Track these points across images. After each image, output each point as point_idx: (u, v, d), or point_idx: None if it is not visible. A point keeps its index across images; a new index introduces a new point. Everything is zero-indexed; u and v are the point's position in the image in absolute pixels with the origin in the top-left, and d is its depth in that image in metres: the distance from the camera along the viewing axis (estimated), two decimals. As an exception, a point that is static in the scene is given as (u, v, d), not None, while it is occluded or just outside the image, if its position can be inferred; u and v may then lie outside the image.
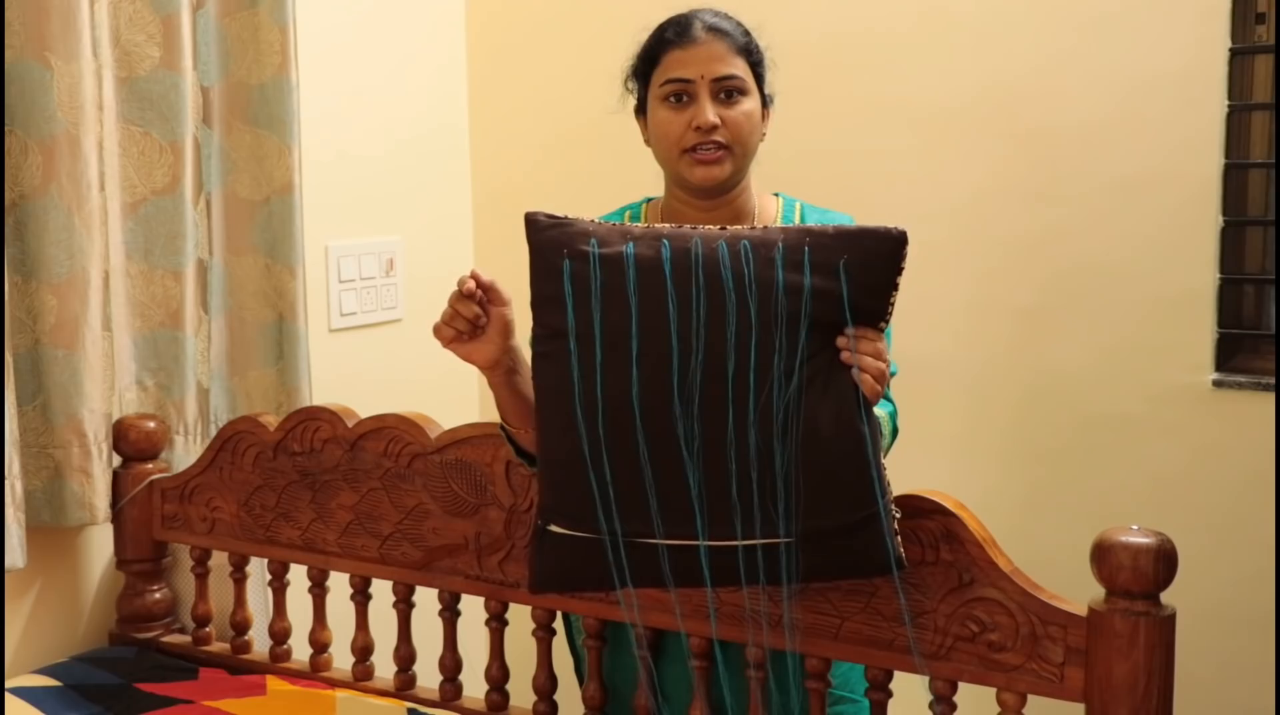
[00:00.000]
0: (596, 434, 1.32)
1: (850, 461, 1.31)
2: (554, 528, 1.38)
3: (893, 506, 1.34)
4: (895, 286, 1.33)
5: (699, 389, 1.30)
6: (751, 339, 1.29)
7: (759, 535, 1.31)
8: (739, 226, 1.38)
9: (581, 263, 1.33)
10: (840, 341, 1.31)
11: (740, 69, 1.60)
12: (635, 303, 1.31)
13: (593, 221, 1.39)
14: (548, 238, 1.36)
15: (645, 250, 1.33)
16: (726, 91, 1.59)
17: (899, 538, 1.34)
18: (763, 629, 1.52)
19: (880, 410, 1.54)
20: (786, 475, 1.29)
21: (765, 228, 1.36)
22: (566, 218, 1.38)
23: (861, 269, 1.31)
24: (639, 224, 1.39)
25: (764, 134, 1.66)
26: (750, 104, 1.60)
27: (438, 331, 1.45)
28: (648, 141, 1.67)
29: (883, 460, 1.34)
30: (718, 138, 1.58)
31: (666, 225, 1.39)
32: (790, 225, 1.36)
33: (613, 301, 1.32)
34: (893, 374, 1.61)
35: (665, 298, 1.31)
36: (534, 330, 1.40)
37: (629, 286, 1.32)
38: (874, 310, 1.33)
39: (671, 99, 1.60)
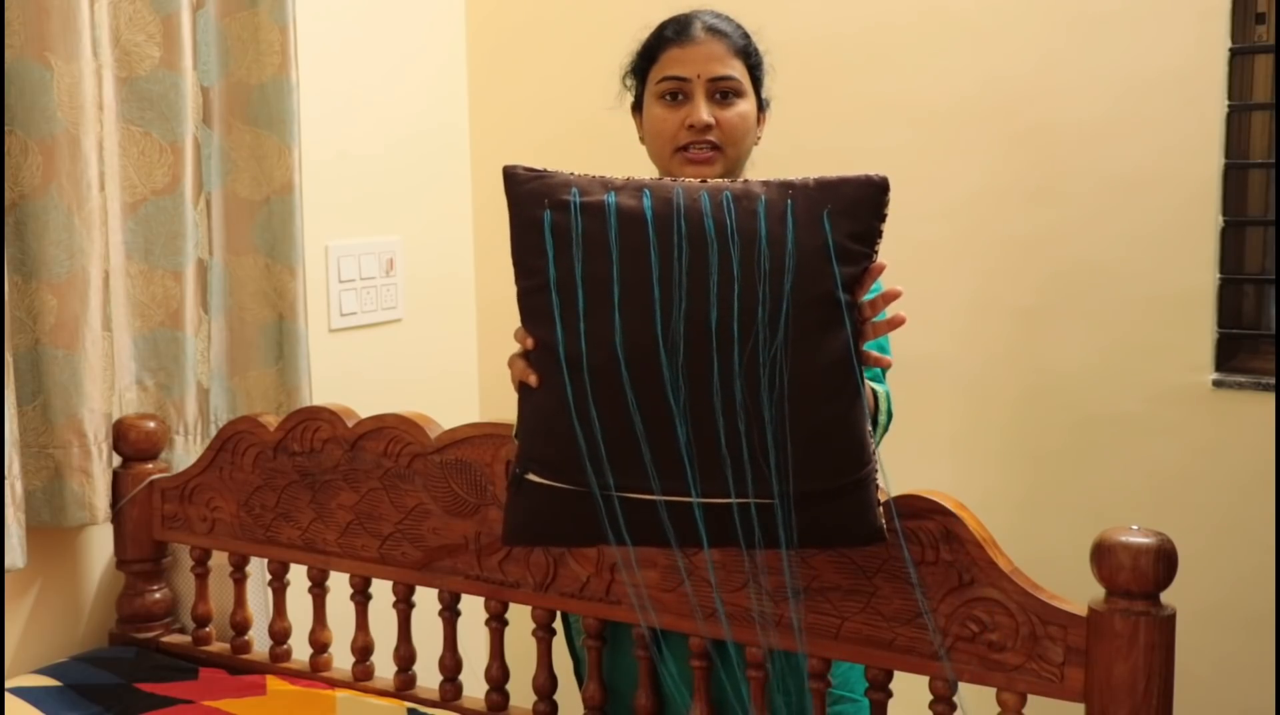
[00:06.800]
0: (582, 384, 1.28)
1: (839, 424, 1.28)
2: (531, 477, 1.34)
3: (877, 477, 1.32)
4: (879, 233, 1.31)
5: (683, 339, 1.26)
6: (734, 291, 1.26)
7: (751, 494, 1.28)
8: (719, 179, 1.35)
9: (562, 213, 1.30)
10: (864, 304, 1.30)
11: (737, 71, 1.60)
12: (616, 252, 1.28)
13: (573, 173, 1.36)
14: (528, 190, 1.34)
15: (627, 200, 1.30)
16: (722, 92, 1.59)
17: (881, 510, 1.32)
18: (771, 629, 1.52)
19: (878, 387, 1.54)
20: (775, 432, 1.26)
21: (746, 181, 1.33)
22: (546, 170, 1.36)
23: (846, 218, 1.28)
24: (619, 177, 1.36)
25: (759, 137, 1.66)
26: (745, 106, 1.61)
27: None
28: (643, 139, 1.67)
29: (870, 430, 1.32)
30: (710, 138, 1.58)
31: (647, 177, 1.36)
32: (771, 180, 1.33)
33: (594, 250, 1.29)
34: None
35: (647, 247, 1.28)
36: (518, 285, 1.35)
37: (610, 235, 1.29)
38: (859, 257, 1.29)
39: (667, 97, 1.60)
